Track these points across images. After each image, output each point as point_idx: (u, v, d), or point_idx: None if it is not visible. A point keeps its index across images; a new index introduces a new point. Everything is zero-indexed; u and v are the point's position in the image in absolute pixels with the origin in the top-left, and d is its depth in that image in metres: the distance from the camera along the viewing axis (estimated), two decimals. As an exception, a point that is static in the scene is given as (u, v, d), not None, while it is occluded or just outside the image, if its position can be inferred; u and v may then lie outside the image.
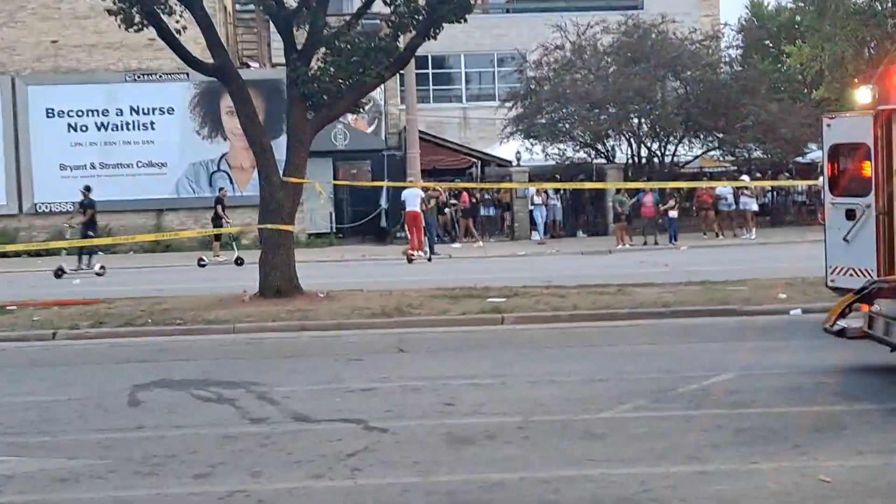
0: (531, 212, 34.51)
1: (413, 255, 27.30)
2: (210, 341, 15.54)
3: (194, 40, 19.69)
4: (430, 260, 27.54)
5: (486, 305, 17.17)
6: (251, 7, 37.14)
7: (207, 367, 13.21)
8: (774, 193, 35.86)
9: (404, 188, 29.19)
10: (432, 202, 30.28)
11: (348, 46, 18.96)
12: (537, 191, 33.51)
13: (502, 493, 7.90)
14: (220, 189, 31.70)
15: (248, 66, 38.54)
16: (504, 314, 16.45)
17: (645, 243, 30.14)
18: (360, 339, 15.18)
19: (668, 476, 8.09)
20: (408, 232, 28.46)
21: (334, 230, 35.36)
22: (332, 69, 18.96)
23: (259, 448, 9.11)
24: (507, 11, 44.46)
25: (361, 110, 23.02)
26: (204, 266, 27.97)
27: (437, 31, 18.89)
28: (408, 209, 28.28)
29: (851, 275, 11.33)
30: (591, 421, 9.82)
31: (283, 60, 20.04)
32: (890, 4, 21.04)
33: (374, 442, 9.23)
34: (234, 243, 29.38)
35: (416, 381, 11.82)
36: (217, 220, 29.65)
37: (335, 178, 33.80)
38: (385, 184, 32.98)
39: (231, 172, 35.30)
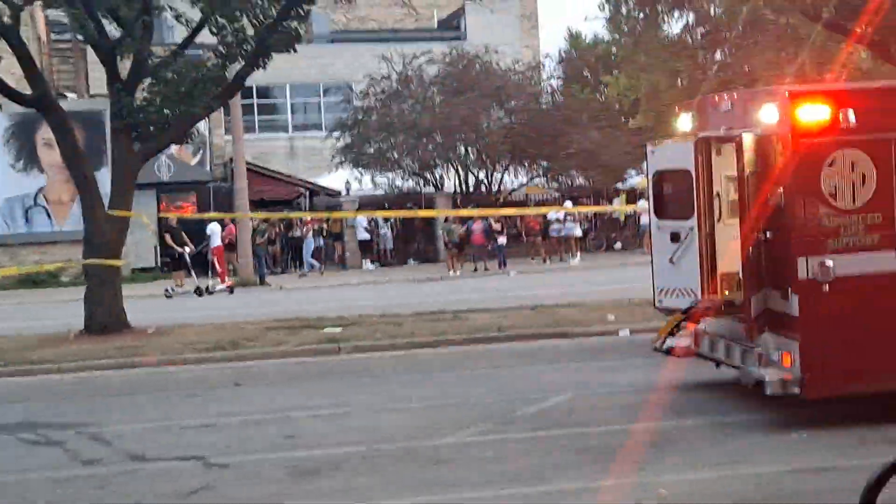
0: (360, 241, 34.56)
1: (213, 288, 26.91)
2: (35, 382, 14.86)
3: (8, 70, 18.91)
4: (231, 292, 27.08)
5: (323, 336, 17.04)
6: (68, 37, 35.91)
7: (34, 409, 12.63)
8: (597, 219, 36.97)
9: (225, 220, 28.92)
10: (263, 235, 29.92)
11: (175, 76, 18.60)
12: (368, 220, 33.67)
13: (350, 525, 7.85)
14: (167, 219, 30.27)
15: (65, 97, 37.21)
16: (341, 344, 16.36)
17: (475, 270, 30.59)
18: (193, 375, 14.81)
19: (515, 498, 8.21)
20: (217, 265, 28.16)
21: (159, 264, 34.41)
22: (158, 100, 18.54)
23: (95, 490, 8.76)
24: (332, 41, 44.49)
25: (189, 141, 22.58)
26: (170, 297, 26.65)
27: (266, 61, 18.73)
28: (211, 245, 28.33)
29: (678, 295, 11.76)
30: (437, 447, 9.87)
31: (101, 91, 19.51)
32: (700, 37, 22.06)
33: (215, 479, 9.02)
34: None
35: (256, 414, 11.62)
36: (170, 249, 28.51)
37: (159, 211, 32.93)
38: (212, 215, 32.36)
39: (49, 207, 33.90)
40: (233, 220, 30.93)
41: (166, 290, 27.31)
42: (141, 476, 9.21)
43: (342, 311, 19.74)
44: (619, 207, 35.01)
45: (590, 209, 35.33)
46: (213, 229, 28.99)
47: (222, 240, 29.72)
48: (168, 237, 28.59)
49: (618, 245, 34.11)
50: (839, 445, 9.09)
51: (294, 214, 34.71)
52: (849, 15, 17.93)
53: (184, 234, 28.20)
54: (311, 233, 33.17)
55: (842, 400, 9.78)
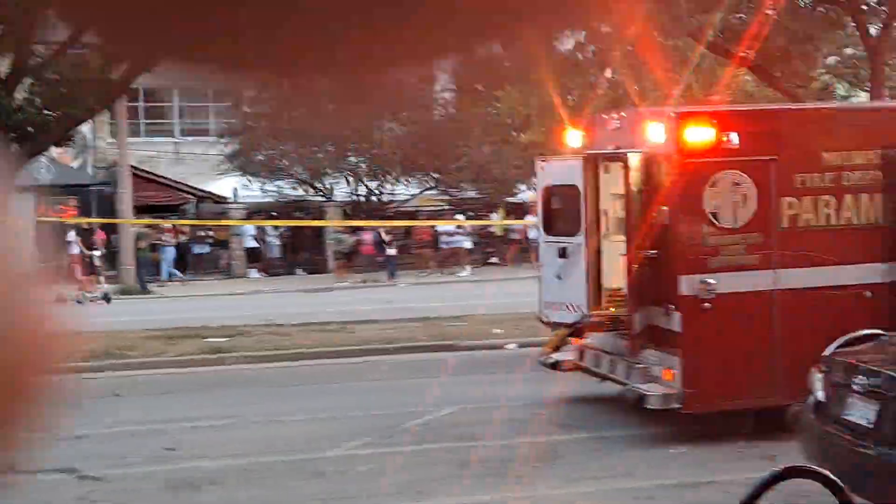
0: (247, 249, 34.07)
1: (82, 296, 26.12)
2: None
3: None
4: (108, 300, 26.30)
5: (206, 346, 16.70)
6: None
7: None
8: (488, 232, 37.18)
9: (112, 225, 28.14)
10: (144, 241, 29.21)
11: (57, 77, 18.04)
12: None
13: (229, 540, 7.69)
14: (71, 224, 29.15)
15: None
16: (225, 354, 16.06)
17: (364, 281, 30.44)
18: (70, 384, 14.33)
19: (397, 512, 8.16)
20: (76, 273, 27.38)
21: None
22: (38, 100, 17.95)
23: (-40, 506, 8.39)
24: (224, 46, 43.84)
25: (70, 143, 21.95)
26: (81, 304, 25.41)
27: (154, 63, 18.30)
28: (70, 252, 27.61)
29: (564, 310, 11.88)
30: (319, 460, 9.75)
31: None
32: (591, 55, 22.39)
33: (89, 492, 8.75)
34: None
35: (134, 426, 11.31)
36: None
37: (37, 215, 31.96)
38: (93, 220, 31.54)
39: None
40: (102, 227, 30.22)
41: (78, 298, 26.32)
42: (9, 490, 8.85)
43: (227, 320, 19.38)
44: (496, 222, 35.17)
45: (477, 223, 35.52)
46: (71, 237, 28.28)
47: (92, 245, 28.98)
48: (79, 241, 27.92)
49: (494, 260, 34.17)
50: (717, 460, 9.27)
51: (179, 222, 34.06)
52: (732, 39, 18.44)
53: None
54: (173, 241, 32.50)
55: (721, 415, 9.98)
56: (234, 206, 35.18)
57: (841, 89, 25.10)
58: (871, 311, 9.90)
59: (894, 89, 23.32)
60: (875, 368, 7.26)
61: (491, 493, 8.57)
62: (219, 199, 37.21)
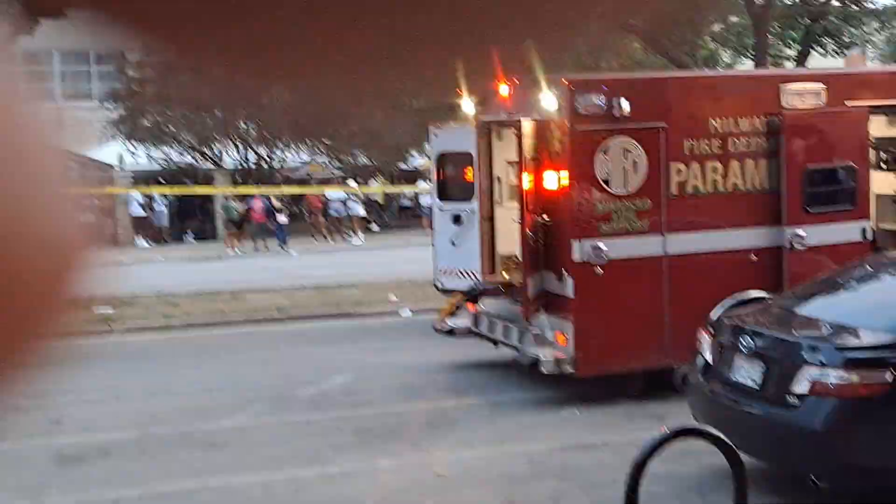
0: (133, 218, 33.32)
1: None
2: None
3: None
4: None
5: (92, 315, 16.28)
6: None
7: None
8: (381, 198, 37.08)
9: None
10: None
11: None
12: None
13: (121, 513, 7.54)
14: None
15: None
16: (112, 324, 15.69)
17: (255, 248, 30.06)
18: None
19: (291, 481, 8.10)
20: None
21: None
22: None
23: None
24: (107, 9, 42.57)
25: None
26: None
27: (35, 25, 17.67)
28: None
29: (458, 276, 11.92)
30: (211, 430, 9.63)
31: None
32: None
33: (-27, 468, 8.47)
34: None
35: (19, 398, 10.96)
36: None
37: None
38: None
39: None
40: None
41: None
42: None
43: (114, 290, 18.93)
44: (376, 188, 35.02)
45: (366, 190, 35.39)
46: None
47: None
48: None
49: (374, 227, 33.99)
50: (608, 422, 9.44)
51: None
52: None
53: None
54: None
55: (612, 378, 10.16)
56: (119, 173, 34.29)
57: (726, 57, 25.66)
58: (756, 274, 10.19)
59: (777, 57, 23.93)
60: (760, 330, 7.46)
61: (386, 459, 8.58)
62: (103, 167, 36.27)
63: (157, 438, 9.42)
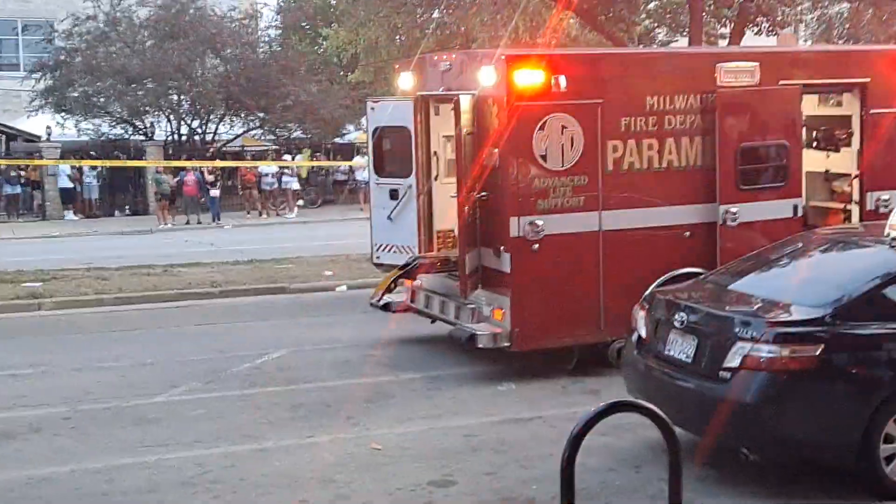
0: (63, 189, 32.66)
1: None
2: None
3: None
4: None
5: (21, 291, 15.96)
6: None
7: None
8: (316, 172, 36.76)
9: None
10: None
11: None
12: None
13: (52, 488, 7.44)
14: None
15: None
16: (41, 300, 15.41)
17: (188, 222, 29.68)
18: None
19: (226, 456, 8.05)
20: None
21: None
22: None
23: None
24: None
25: None
26: None
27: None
28: None
29: (395, 252, 11.88)
30: (144, 406, 9.53)
31: None
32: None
33: None
34: None
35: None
36: None
37: None
38: None
39: None
40: None
41: None
42: None
43: (43, 264, 18.58)
44: (301, 163, 34.64)
45: (308, 164, 35.10)
46: None
47: None
48: None
49: (300, 203, 33.63)
50: (544, 397, 9.52)
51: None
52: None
53: None
54: None
55: (548, 352, 10.23)
56: (47, 145, 33.58)
57: (662, 35, 25.85)
58: (689, 250, 10.31)
59: (712, 35, 24.17)
60: (693, 305, 7.55)
61: (322, 435, 8.56)
62: (31, 138, 35.47)
63: (88, 414, 9.29)
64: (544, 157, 9.81)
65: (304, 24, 39.77)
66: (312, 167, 35.42)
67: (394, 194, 11.81)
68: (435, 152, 11.53)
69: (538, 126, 9.76)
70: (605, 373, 9.88)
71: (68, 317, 14.56)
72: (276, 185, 32.43)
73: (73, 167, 32.39)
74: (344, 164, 35.36)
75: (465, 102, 10.16)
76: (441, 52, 13.90)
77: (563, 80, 9.79)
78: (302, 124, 34.77)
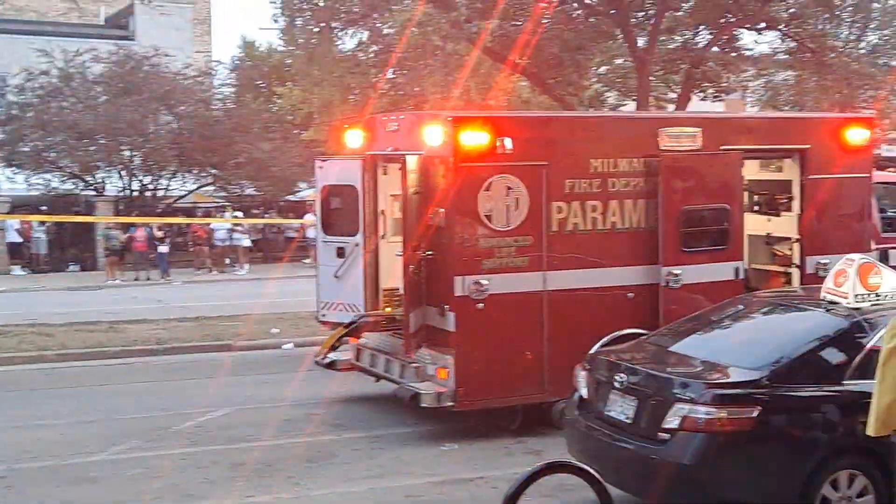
0: (10, 245, 32.25)
1: None
2: None
3: None
4: None
5: (-39, 346, 15.70)
6: None
7: None
8: (266, 230, 36.67)
9: None
10: None
11: None
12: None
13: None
14: None
15: None
16: (-19, 355, 15.16)
17: (137, 278, 29.43)
18: None
19: (165, 517, 7.93)
20: None
21: None
22: None
23: None
24: (-12, 31, 41.45)
25: None
26: None
27: None
28: None
29: (342, 310, 11.85)
30: (83, 464, 9.37)
31: None
32: (373, 55, 22.48)
33: None
34: None
35: None
36: None
37: None
38: None
39: None
40: None
41: None
42: None
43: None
44: (228, 220, 34.16)
45: (260, 221, 35.00)
46: None
47: None
48: None
49: (227, 261, 33.23)
50: (486, 456, 9.50)
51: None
52: (508, 45, 18.96)
53: None
54: None
55: (492, 412, 10.22)
56: (-4, 198, 33.23)
57: (612, 98, 26.24)
58: (632, 311, 10.40)
59: (660, 99, 24.59)
60: (634, 366, 7.60)
61: (263, 495, 8.47)
62: (-21, 191, 35.17)
63: (24, 473, 9.12)
64: (489, 218, 9.89)
65: (258, 82, 39.93)
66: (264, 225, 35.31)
67: (340, 252, 11.82)
68: (382, 211, 11.58)
69: (483, 187, 9.85)
70: (549, 433, 9.88)
71: (8, 373, 14.33)
72: (227, 242, 32.29)
73: (21, 222, 32.04)
74: (295, 222, 35.28)
75: (412, 162, 10.24)
76: (391, 112, 14.02)
77: (508, 142, 9.90)
78: (254, 181, 34.75)
